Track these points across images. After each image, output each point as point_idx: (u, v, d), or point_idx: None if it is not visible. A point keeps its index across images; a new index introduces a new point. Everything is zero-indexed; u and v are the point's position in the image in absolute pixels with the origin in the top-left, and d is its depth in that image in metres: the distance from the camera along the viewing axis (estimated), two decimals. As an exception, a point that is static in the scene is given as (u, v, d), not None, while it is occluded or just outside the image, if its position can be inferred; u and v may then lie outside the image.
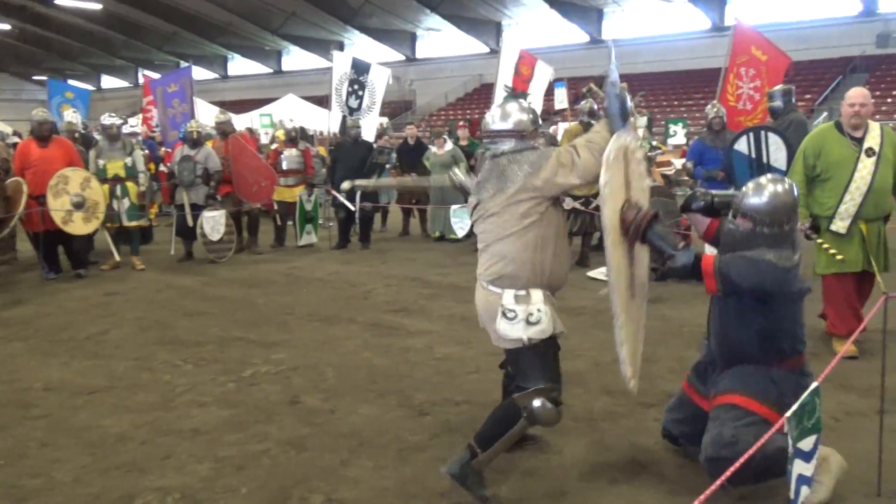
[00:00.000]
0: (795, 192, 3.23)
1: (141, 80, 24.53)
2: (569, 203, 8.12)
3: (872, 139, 4.93)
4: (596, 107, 8.47)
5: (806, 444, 2.43)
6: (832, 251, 4.91)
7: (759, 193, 3.18)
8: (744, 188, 3.28)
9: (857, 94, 5.02)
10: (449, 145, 10.56)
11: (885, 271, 5.14)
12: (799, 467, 2.43)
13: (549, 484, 3.39)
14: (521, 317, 3.19)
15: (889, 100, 25.04)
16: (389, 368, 5.04)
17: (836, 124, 5.10)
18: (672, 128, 18.98)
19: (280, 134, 12.51)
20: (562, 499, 3.27)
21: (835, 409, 4.13)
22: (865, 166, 4.90)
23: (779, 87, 7.58)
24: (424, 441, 3.87)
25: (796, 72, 21.02)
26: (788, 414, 2.34)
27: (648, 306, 3.64)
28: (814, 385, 2.42)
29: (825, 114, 23.75)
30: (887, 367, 4.74)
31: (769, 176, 3.32)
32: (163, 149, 11.80)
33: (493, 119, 3.40)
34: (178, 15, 39.37)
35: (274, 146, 11.65)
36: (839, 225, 4.99)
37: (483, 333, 5.77)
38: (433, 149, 10.74)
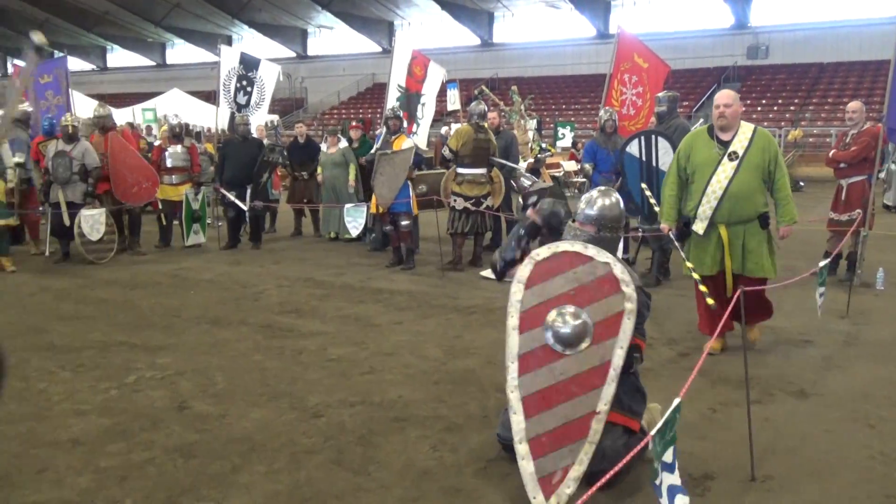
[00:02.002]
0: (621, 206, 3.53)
1: (10, 69, 23.05)
2: (460, 203, 8.24)
3: (739, 143, 4.90)
4: (486, 108, 8.64)
5: (668, 456, 2.54)
6: (689, 262, 5.05)
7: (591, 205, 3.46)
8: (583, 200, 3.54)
9: (721, 96, 5.00)
10: (343, 144, 10.48)
11: (747, 273, 5.01)
12: (668, 479, 2.53)
13: (444, 482, 3.42)
14: None
15: (759, 108, 26.74)
16: (282, 371, 4.95)
17: (709, 127, 5.11)
18: (560, 130, 19.55)
19: (164, 130, 12.07)
20: (456, 496, 3.30)
21: (712, 401, 4.37)
22: (724, 170, 4.88)
23: (667, 93, 7.95)
24: (318, 444, 3.82)
25: (675, 80, 22.14)
26: (653, 433, 2.41)
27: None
28: (676, 401, 2.52)
29: (702, 120, 25.09)
30: (760, 359, 5.08)
31: (602, 189, 3.63)
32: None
33: None
34: (51, 1, 37.20)
35: (157, 143, 11.21)
36: (699, 226, 5.04)
37: (376, 333, 5.81)
38: (324, 147, 10.63)
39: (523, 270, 3.13)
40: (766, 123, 24.68)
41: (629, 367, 3.25)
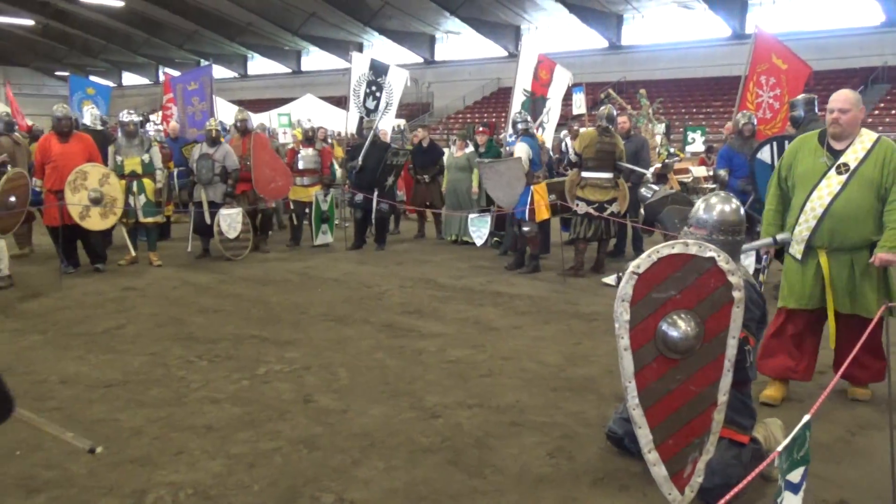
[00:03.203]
0: (741, 211, 3.50)
1: (161, 77, 24.74)
2: (583, 208, 8.11)
3: (853, 153, 4.10)
4: (615, 112, 8.47)
5: (795, 475, 2.41)
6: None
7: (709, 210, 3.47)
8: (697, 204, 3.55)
9: (837, 98, 4.15)
10: (470, 148, 10.58)
11: (859, 312, 4.18)
12: (789, 499, 2.41)
13: (560, 490, 3.38)
14: None
15: (910, 111, 24.84)
16: (402, 370, 5.05)
17: (820, 132, 4.30)
18: (690, 135, 18.89)
19: (297, 133, 12.58)
20: (572, 505, 3.26)
21: (849, 422, 4.10)
22: (829, 184, 4.10)
23: (802, 96, 7.51)
24: (436, 443, 3.87)
25: (816, 81, 20.88)
26: (780, 448, 2.31)
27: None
28: (806, 418, 2.39)
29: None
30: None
31: (720, 194, 3.59)
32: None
33: None
34: (199, 13, 39.68)
35: (290, 146, 11.70)
36: (795, 248, 4.28)
37: (495, 336, 5.82)
38: (452, 149, 10.76)
39: (626, 288, 3.00)
40: (919, 128, 22.92)
41: (743, 361, 3.19)
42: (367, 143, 10.07)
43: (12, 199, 7.35)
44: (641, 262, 2.99)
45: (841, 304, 4.24)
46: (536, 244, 8.54)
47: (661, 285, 3.02)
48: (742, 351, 3.15)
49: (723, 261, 3.02)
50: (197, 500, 3.29)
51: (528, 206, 8.23)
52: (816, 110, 7.42)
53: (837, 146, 4.16)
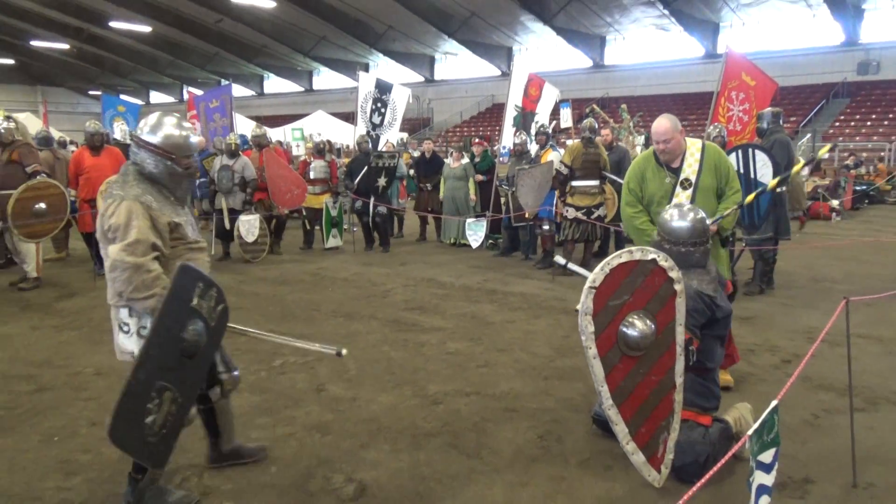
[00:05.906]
0: (705, 219, 3.49)
1: (186, 95, 24.73)
2: (571, 213, 8.13)
3: (689, 168, 4.23)
4: (597, 125, 8.50)
5: (766, 456, 2.41)
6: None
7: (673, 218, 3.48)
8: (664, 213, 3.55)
9: (658, 131, 4.21)
10: (465, 160, 10.59)
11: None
12: (760, 478, 2.42)
13: (551, 470, 3.39)
14: (133, 329, 2.95)
15: (868, 123, 24.86)
16: (406, 361, 5.05)
17: (655, 153, 4.33)
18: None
19: (309, 146, 12.59)
20: (561, 482, 3.27)
21: (815, 407, 4.11)
22: (679, 200, 4.17)
23: (768, 109, 7.53)
24: (437, 428, 3.87)
25: (783, 96, 20.90)
26: (750, 432, 2.32)
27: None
28: (773, 403, 2.41)
29: (809, 135, 23.56)
30: (865, 368, 4.72)
31: (685, 204, 3.67)
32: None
33: (145, 126, 2.99)
34: (220, 37, 39.67)
35: (302, 158, 11.69)
36: None
37: (491, 330, 5.82)
38: (448, 161, 10.77)
39: (587, 302, 2.97)
40: (875, 138, 22.92)
41: (688, 361, 3.20)
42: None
43: (41, 205, 7.25)
44: (597, 277, 2.98)
45: None
46: (553, 241, 8.84)
47: (616, 293, 3.02)
48: (686, 351, 3.17)
49: (662, 259, 3.07)
50: (220, 480, 3.30)
51: (552, 208, 8.52)
52: (781, 122, 7.45)
53: (674, 165, 4.29)
